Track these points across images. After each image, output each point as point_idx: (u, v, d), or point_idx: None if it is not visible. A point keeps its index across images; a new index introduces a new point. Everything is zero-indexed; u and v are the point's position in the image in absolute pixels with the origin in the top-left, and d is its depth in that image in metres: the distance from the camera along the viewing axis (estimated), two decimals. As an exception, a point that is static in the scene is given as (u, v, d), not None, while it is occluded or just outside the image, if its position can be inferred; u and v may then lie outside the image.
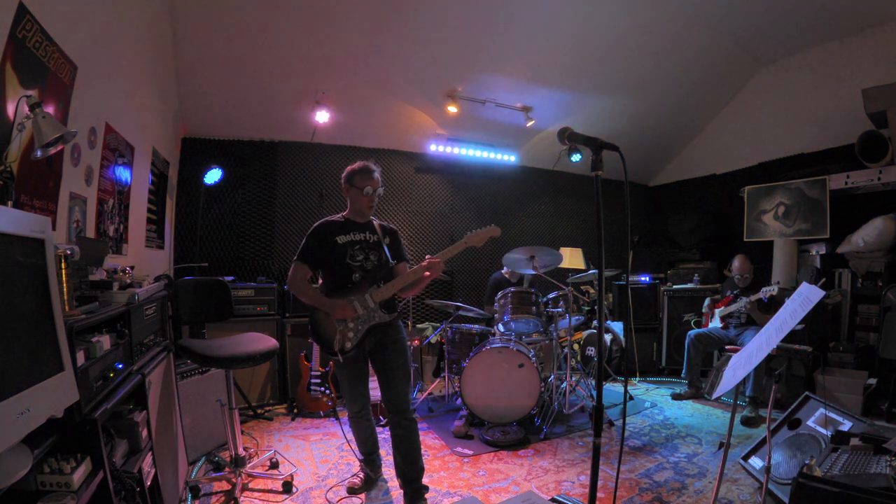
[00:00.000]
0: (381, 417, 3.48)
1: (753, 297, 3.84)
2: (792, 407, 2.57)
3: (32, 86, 1.68)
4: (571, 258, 5.07)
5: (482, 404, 3.32)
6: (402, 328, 2.44)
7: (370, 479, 2.56)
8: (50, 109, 1.77)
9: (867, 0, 3.67)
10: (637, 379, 4.85)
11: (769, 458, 1.89)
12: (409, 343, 4.12)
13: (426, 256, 2.26)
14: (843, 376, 3.66)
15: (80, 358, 1.28)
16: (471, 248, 2.37)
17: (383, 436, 3.15)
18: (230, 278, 3.79)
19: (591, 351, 4.46)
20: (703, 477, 2.62)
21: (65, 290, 1.32)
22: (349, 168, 2.39)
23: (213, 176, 3.94)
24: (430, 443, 3.17)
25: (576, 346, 4.55)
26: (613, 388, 4.51)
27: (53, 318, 1.11)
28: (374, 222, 2.43)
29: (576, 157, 5.28)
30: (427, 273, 2.24)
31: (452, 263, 5.31)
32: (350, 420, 2.56)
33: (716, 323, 4.19)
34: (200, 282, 3.17)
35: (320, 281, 2.45)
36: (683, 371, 4.17)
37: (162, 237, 3.76)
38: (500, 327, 3.67)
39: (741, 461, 2.52)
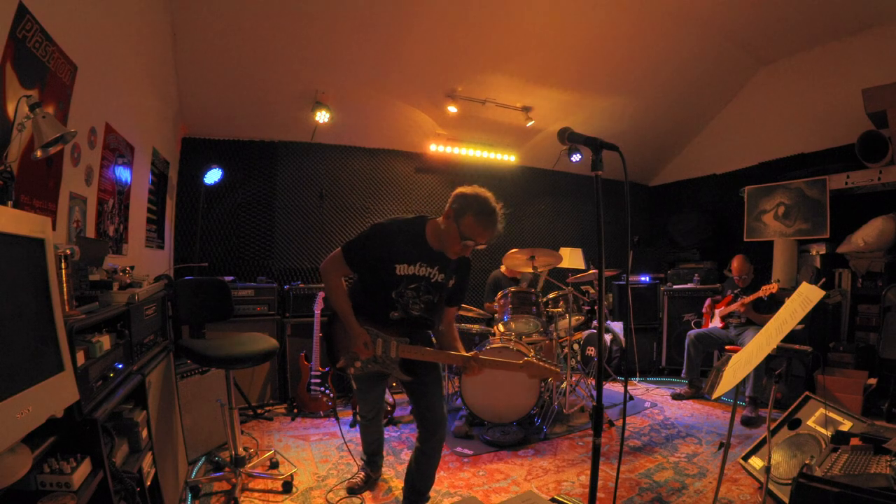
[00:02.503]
0: (389, 416, 3.47)
1: (748, 298, 3.83)
2: (792, 407, 2.57)
3: (32, 86, 1.68)
4: (571, 258, 5.07)
5: (482, 404, 3.32)
6: (431, 340, 2.23)
7: (370, 478, 2.56)
8: (50, 109, 1.77)
9: (867, 0, 3.67)
10: (637, 379, 4.85)
11: (769, 458, 1.89)
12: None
13: (473, 352, 2.06)
14: (843, 376, 3.66)
15: (80, 358, 1.28)
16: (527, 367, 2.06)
17: (386, 435, 3.15)
18: (230, 278, 3.79)
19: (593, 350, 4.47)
20: (703, 477, 2.62)
21: (65, 290, 1.32)
22: (469, 194, 1.89)
23: (213, 176, 3.94)
24: (430, 443, 3.17)
25: (576, 346, 4.55)
26: (613, 389, 4.51)
27: (53, 318, 1.11)
28: (454, 264, 2.05)
29: (576, 157, 5.29)
30: (466, 372, 1.98)
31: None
32: (361, 423, 2.53)
33: (716, 323, 4.19)
34: (200, 282, 3.17)
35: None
36: (683, 371, 4.18)
37: (162, 237, 3.76)
38: (500, 327, 3.67)
39: (741, 461, 2.52)
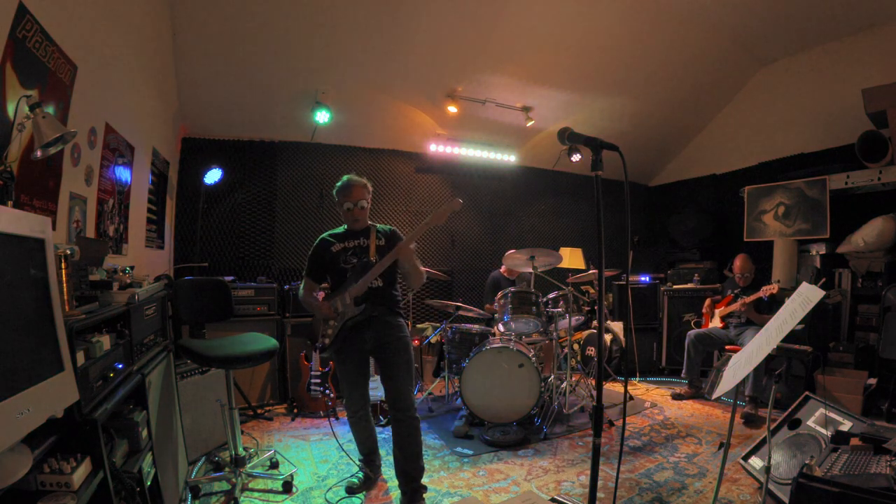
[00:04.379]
0: (381, 417, 3.48)
1: (749, 298, 3.83)
2: (792, 407, 2.57)
3: (32, 86, 1.68)
4: (571, 258, 5.07)
5: (482, 404, 3.32)
6: (404, 326, 2.47)
7: (369, 478, 2.56)
8: (50, 109, 1.77)
9: (867, 0, 3.67)
10: (637, 379, 4.85)
11: (769, 458, 1.89)
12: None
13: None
14: (843, 376, 3.66)
15: (80, 358, 1.28)
16: (436, 227, 2.44)
17: (383, 436, 3.15)
18: (230, 278, 3.79)
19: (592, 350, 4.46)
20: (703, 477, 2.62)
21: (65, 290, 1.32)
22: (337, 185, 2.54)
23: (213, 176, 3.94)
24: (430, 443, 3.17)
25: (576, 346, 4.54)
26: (613, 389, 4.51)
27: (53, 318, 1.11)
28: (374, 228, 2.51)
29: (575, 157, 5.29)
30: (401, 257, 2.32)
31: (452, 264, 5.32)
32: (349, 420, 2.57)
33: (716, 323, 4.19)
34: (200, 282, 3.17)
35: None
36: (683, 371, 4.17)
37: (162, 237, 3.76)
38: (500, 327, 3.67)
39: (741, 461, 2.52)
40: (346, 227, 2.56)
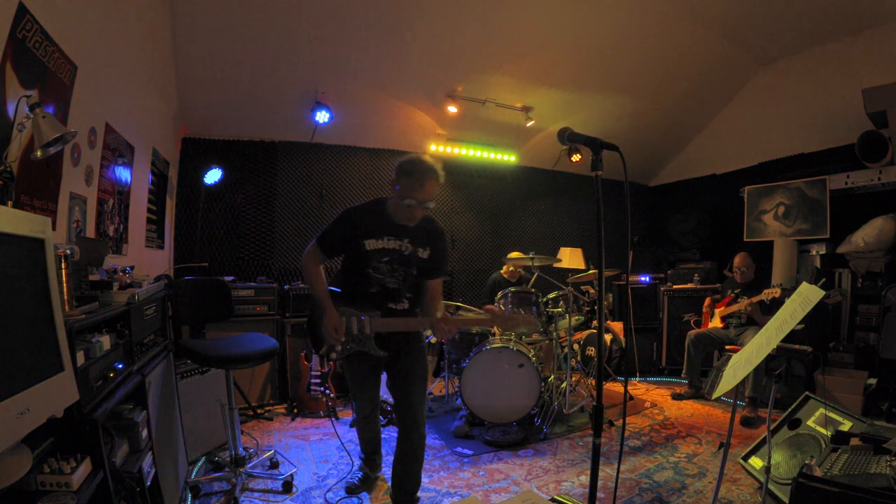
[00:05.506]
0: (381, 417, 3.46)
1: (753, 300, 3.84)
2: (792, 407, 2.57)
3: (32, 86, 1.68)
4: (571, 258, 5.07)
5: (482, 404, 3.32)
6: (422, 336, 2.26)
7: (368, 478, 2.56)
8: (50, 109, 1.77)
9: (867, 0, 3.67)
10: (637, 379, 4.85)
11: (769, 458, 1.89)
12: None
13: (441, 314, 2.09)
14: (843, 376, 3.66)
15: (80, 358, 1.28)
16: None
17: (383, 435, 3.15)
18: (230, 278, 3.79)
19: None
20: (703, 477, 2.62)
21: (65, 290, 1.32)
22: (400, 161, 1.99)
23: (213, 176, 3.94)
24: (430, 443, 3.17)
25: (576, 346, 4.54)
26: (613, 389, 4.51)
27: (53, 318, 1.11)
28: (419, 230, 2.07)
29: (576, 157, 5.29)
30: (431, 332, 2.05)
31: (452, 264, 5.31)
32: (358, 422, 2.51)
33: (716, 323, 4.18)
34: (200, 282, 3.17)
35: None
36: (683, 371, 4.17)
37: (162, 237, 3.76)
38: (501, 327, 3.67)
39: (741, 461, 2.52)
40: (387, 209, 2.04)
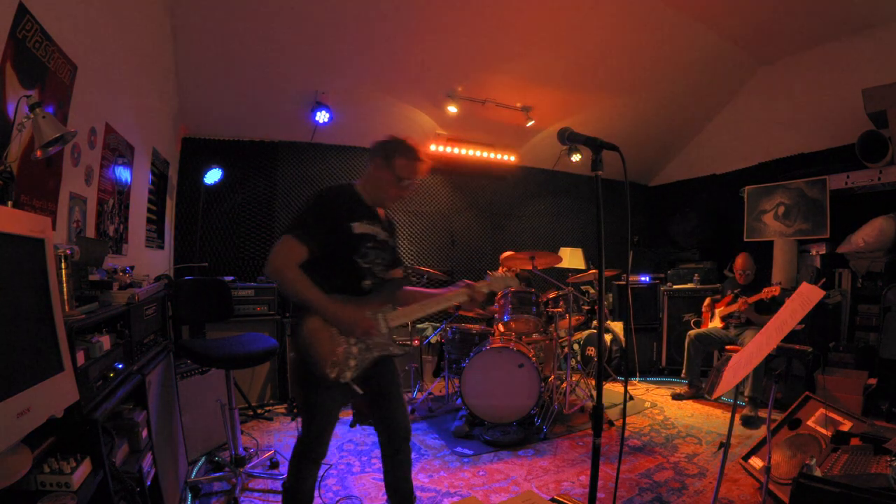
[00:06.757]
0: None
1: (751, 298, 3.84)
2: (792, 407, 2.57)
3: (32, 86, 1.68)
4: (571, 258, 5.07)
5: (482, 404, 3.32)
6: None
7: None
8: (50, 109, 1.77)
9: (867, 0, 3.67)
10: (637, 379, 4.85)
11: (769, 458, 1.89)
12: (409, 343, 4.15)
13: (464, 281, 1.89)
14: (843, 376, 3.66)
15: (80, 358, 1.28)
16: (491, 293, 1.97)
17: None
18: (230, 278, 3.78)
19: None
20: (703, 477, 2.62)
21: (65, 290, 1.32)
22: (391, 138, 1.83)
23: (213, 176, 3.94)
24: (430, 443, 3.17)
25: (576, 346, 4.54)
26: (613, 389, 4.51)
27: (53, 318, 1.11)
28: (379, 211, 1.89)
29: (575, 157, 5.29)
30: (459, 302, 1.84)
31: (452, 264, 5.32)
32: (303, 468, 1.76)
33: (716, 323, 4.19)
34: (200, 282, 3.17)
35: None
36: (683, 371, 4.17)
37: (162, 237, 3.76)
38: (500, 327, 3.67)
39: (741, 461, 2.52)
40: (361, 192, 1.84)
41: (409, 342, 2.74)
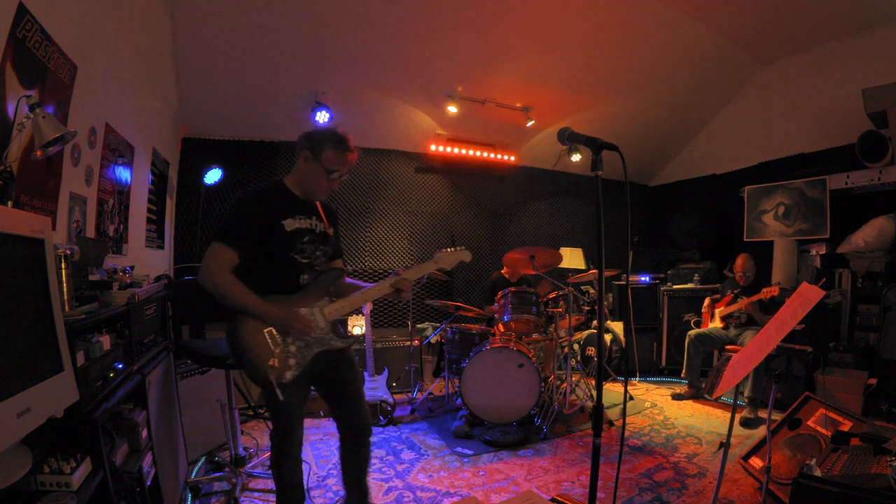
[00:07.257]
0: (381, 417, 3.44)
1: (751, 299, 3.84)
2: (792, 407, 2.57)
3: (32, 86, 1.68)
4: (571, 258, 5.07)
5: (482, 404, 3.32)
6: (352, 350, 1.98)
7: None
8: (50, 109, 1.77)
9: (867, 0, 3.68)
10: (637, 379, 4.85)
11: (769, 458, 1.89)
12: (409, 343, 4.15)
13: (397, 270, 1.87)
14: (843, 376, 3.66)
15: (80, 358, 1.28)
16: (441, 269, 2.00)
17: (383, 436, 3.15)
18: (230, 278, 3.78)
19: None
20: (703, 477, 2.62)
21: (65, 290, 1.32)
22: (318, 130, 1.88)
23: (213, 176, 3.94)
24: (430, 443, 3.17)
25: (576, 346, 4.54)
26: (613, 389, 4.51)
27: (53, 318, 1.11)
28: (317, 202, 1.91)
29: (575, 157, 5.29)
30: (393, 291, 1.81)
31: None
32: (282, 463, 1.82)
33: (716, 323, 4.19)
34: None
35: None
36: (683, 371, 4.17)
37: (162, 237, 3.76)
38: (501, 327, 3.67)
39: (741, 461, 2.52)
40: (290, 188, 1.85)
41: (352, 334, 2.58)
